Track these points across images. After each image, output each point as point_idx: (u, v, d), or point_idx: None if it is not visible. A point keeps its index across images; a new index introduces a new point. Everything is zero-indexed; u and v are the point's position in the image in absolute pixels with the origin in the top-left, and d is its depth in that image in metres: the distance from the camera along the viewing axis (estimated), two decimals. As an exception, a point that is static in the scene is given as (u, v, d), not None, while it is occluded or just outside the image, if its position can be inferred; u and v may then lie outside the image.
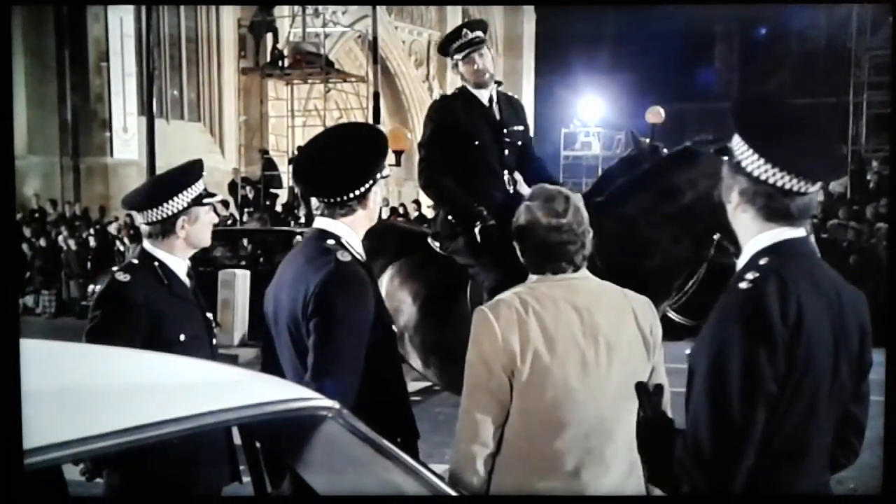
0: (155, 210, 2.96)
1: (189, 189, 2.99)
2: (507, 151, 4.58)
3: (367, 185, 2.64)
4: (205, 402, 1.70)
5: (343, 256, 2.57)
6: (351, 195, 2.62)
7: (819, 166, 1.97)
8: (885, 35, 20.49)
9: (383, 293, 3.43)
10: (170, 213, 2.96)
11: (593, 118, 26.77)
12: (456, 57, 4.54)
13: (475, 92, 4.56)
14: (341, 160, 2.66)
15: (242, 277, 11.49)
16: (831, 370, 1.94)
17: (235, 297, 11.19)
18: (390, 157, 5.78)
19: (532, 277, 2.41)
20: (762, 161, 1.93)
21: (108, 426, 1.49)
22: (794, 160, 1.93)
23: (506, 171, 4.54)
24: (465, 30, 4.54)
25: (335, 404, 1.93)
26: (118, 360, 2.13)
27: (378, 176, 2.67)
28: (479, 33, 4.53)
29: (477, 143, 4.52)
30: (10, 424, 1.36)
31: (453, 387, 3.95)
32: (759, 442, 1.87)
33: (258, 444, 2.18)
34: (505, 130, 4.59)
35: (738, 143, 1.98)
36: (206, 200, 3.04)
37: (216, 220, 3.20)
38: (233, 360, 8.90)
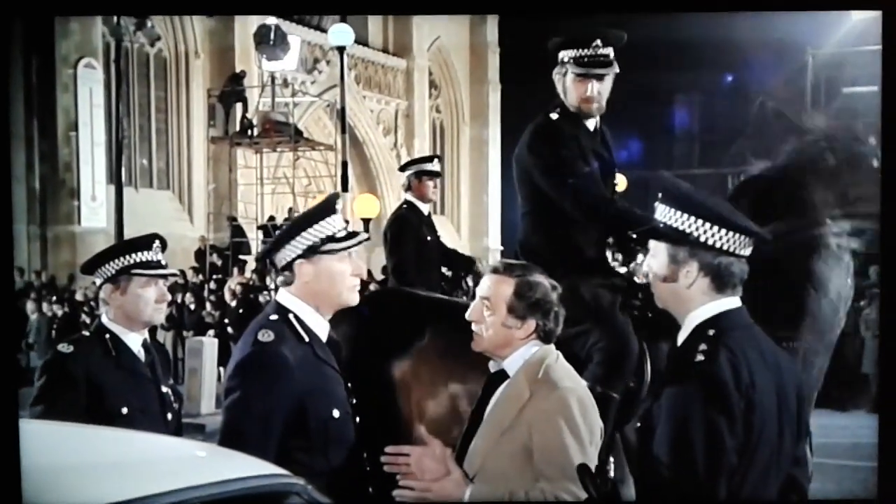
0: (90, 276, 3.00)
1: (119, 259, 2.94)
2: (613, 195, 3.64)
3: (290, 253, 2.45)
4: (172, 480, 1.74)
5: (264, 336, 2.39)
6: (277, 262, 2.47)
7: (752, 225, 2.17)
8: (839, 106, 21.10)
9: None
10: (99, 279, 2.98)
11: (558, 185, 26.92)
12: (570, 68, 3.49)
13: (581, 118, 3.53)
14: (285, 225, 2.59)
15: (210, 346, 11.39)
16: (777, 436, 2.03)
17: (203, 366, 11.07)
18: (358, 226, 5.38)
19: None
20: (724, 231, 2.09)
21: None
22: (745, 224, 2.14)
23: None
24: (597, 41, 3.47)
25: (300, 480, 1.98)
26: (81, 438, 2.16)
27: (304, 244, 2.42)
28: (611, 51, 3.50)
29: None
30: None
31: None
32: None
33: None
34: (615, 171, 3.68)
35: (696, 223, 2.13)
36: (134, 271, 2.94)
37: (155, 295, 2.99)
38: (200, 429, 8.80)
